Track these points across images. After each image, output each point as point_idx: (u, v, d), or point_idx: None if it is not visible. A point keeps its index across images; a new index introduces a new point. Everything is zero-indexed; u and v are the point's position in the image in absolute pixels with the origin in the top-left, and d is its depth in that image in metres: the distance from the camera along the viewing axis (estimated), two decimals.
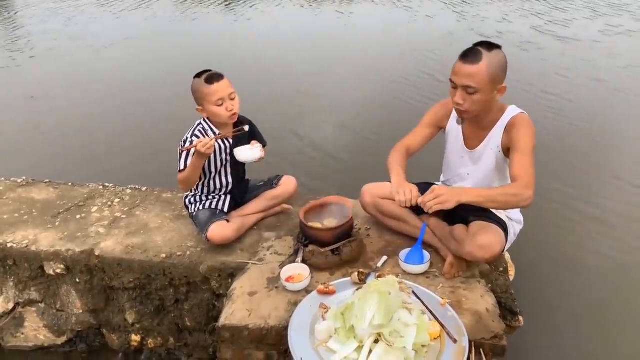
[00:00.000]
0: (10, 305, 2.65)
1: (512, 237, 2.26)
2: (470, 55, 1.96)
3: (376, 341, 1.67)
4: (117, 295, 2.52)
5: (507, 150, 2.12)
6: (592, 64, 6.45)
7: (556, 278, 2.99)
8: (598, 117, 5.05)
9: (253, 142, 2.46)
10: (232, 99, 2.34)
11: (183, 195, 2.62)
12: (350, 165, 4.23)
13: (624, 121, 4.98)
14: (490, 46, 1.98)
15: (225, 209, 2.51)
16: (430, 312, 1.85)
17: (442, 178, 2.48)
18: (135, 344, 2.62)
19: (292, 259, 2.25)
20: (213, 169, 2.47)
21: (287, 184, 2.67)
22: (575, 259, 3.15)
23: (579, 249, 3.24)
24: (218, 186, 2.53)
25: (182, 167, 2.33)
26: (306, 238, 2.29)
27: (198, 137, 2.37)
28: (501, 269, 2.30)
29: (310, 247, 2.23)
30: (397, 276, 2.01)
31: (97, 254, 2.44)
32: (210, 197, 2.53)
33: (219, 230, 2.35)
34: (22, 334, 2.71)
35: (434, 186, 1.95)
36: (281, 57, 7.22)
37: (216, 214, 2.44)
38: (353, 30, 8.73)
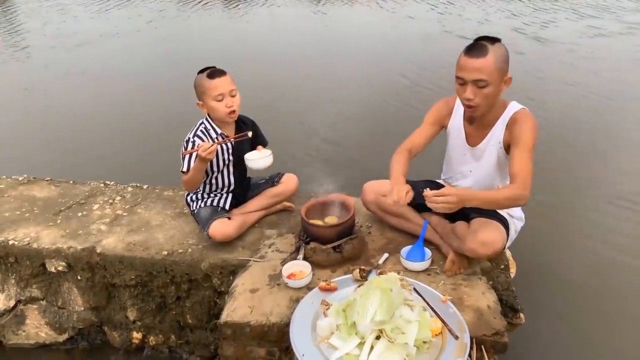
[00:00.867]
0: (12, 303, 2.65)
1: (513, 234, 2.26)
2: (476, 49, 1.97)
3: (378, 337, 1.67)
4: (119, 292, 2.52)
5: (508, 147, 2.12)
6: (568, 66, 6.40)
7: (557, 276, 2.99)
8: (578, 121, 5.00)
9: (259, 147, 2.47)
10: (233, 96, 2.36)
11: (184, 192, 2.63)
12: (351, 163, 4.23)
13: (594, 125, 4.91)
14: (492, 40, 1.99)
15: (227, 207, 2.52)
16: (432, 308, 1.85)
17: (442, 176, 2.48)
18: (136, 341, 2.62)
19: (293, 256, 2.25)
20: (215, 169, 2.48)
21: (289, 181, 2.68)
22: (576, 257, 3.15)
23: (579, 248, 3.24)
24: (220, 185, 2.54)
25: (184, 169, 2.35)
26: (308, 235, 2.29)
27: (200, 137, 2.38)
28: (502, 266, 2.30)
29: (312, 244, 2.23)
30: (398, 273, 2.02)
31: (98, 251, 2.45)
32: (212, 195, 2.53)
33: (221, 228, 2.36)
34: (24, 331, 2.71)
35: (445, 188, 1.94)
36: (278, 58, 7.21)
37: (217, 212, 2.44)
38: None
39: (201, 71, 2.38)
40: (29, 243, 2.51)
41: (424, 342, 1.69)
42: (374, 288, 1.74)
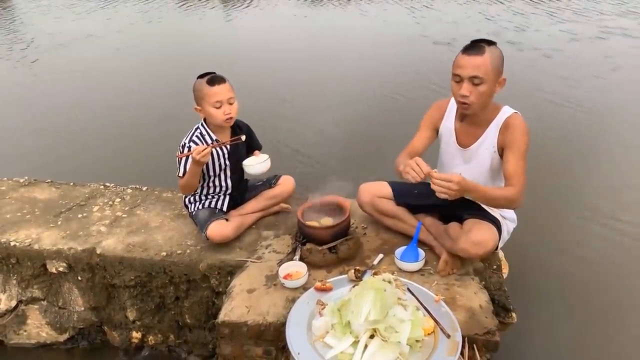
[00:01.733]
0: (13, 303, 2.69)
1: (505, 235, 2.30)
2: (474, 48, 2.04)
3: (372, 336, 1.71)
4: (118, 292, 2.56)
5: (502, 151, 2.16)
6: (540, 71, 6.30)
7: (549, 276, 3.03)
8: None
9: (256, 152, 2.51)
10: (231, 104, 2.38)
11: (183, 195, 2.66)
12: (347, 164, 4.27)
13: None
14: (489, 42, 2.06)
15: (225, 208, 2.55)
16: (425, 308, 1.88)
17: None
18: (136, 340, 2.65)
19: (290, 257, 2.28)
20: (212, 173, 2.51)
21: (285, 183, 2.71)
22: (568, 257, 3.19)
23: (571, 248, 3.28)
24: (217, 188, 2.57)
25: (181, 174, 2.38)
26: (304, 236, 2.33)
27: (195, 142, 2.40)
28: (495, 267, 2.33)
29: (308, 246, 2.27)
30: (392, 273, 2.05)
31: (98, 252, 2.48)
32: (209, 197, 2.57)
33: (219, 229, 2.39)
34: (25, 331, 2.74)
35: (454, 175, 1.93)
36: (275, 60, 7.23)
37: (215, 213, 2.48)
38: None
39: (201, 76, 2.37)
40: (30, 244, 2.55)
41: (417, 341, 1.72)
42: (368, 288, 1.78)
